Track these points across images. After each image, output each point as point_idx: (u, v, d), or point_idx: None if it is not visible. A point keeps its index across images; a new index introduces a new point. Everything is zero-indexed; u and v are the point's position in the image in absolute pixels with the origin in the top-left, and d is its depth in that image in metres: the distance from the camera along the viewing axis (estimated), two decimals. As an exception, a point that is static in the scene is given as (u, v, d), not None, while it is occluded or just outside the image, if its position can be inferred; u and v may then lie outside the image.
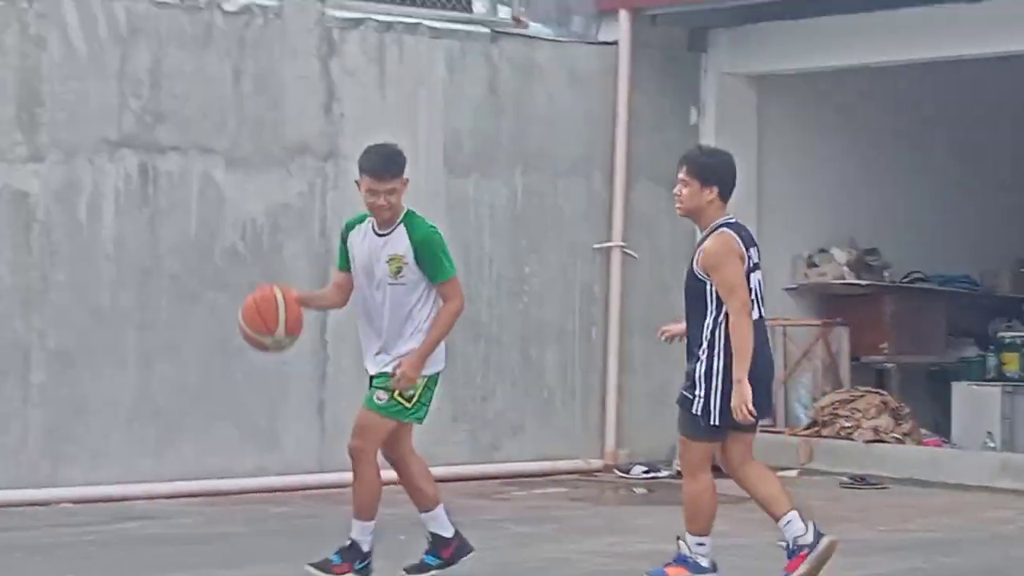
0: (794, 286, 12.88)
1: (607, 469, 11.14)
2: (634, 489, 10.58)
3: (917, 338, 12.85)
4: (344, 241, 6.90)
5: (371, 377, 6.76)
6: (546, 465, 10.90)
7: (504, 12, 11.17)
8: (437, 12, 10.81)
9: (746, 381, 6.40)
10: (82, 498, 8.90)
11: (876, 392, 12.22)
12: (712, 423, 6.48)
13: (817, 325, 12.56)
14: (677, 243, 11.38)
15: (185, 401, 9.40)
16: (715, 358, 6.52)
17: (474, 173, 10.79)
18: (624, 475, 10.91)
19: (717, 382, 6.52)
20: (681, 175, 6.70)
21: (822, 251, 12.89)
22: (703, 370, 6.48)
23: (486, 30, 10.88)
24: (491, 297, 10.77)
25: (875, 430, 11.70)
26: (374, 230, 6.72)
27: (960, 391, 11.77)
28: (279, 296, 6.70)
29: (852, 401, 12.08)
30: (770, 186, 12.56)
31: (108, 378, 9.18)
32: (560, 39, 11.48)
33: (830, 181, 13.05)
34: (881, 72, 12.26)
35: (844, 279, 12.75)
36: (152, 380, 9.33)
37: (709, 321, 6.49)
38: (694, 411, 6.48)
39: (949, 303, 12.93)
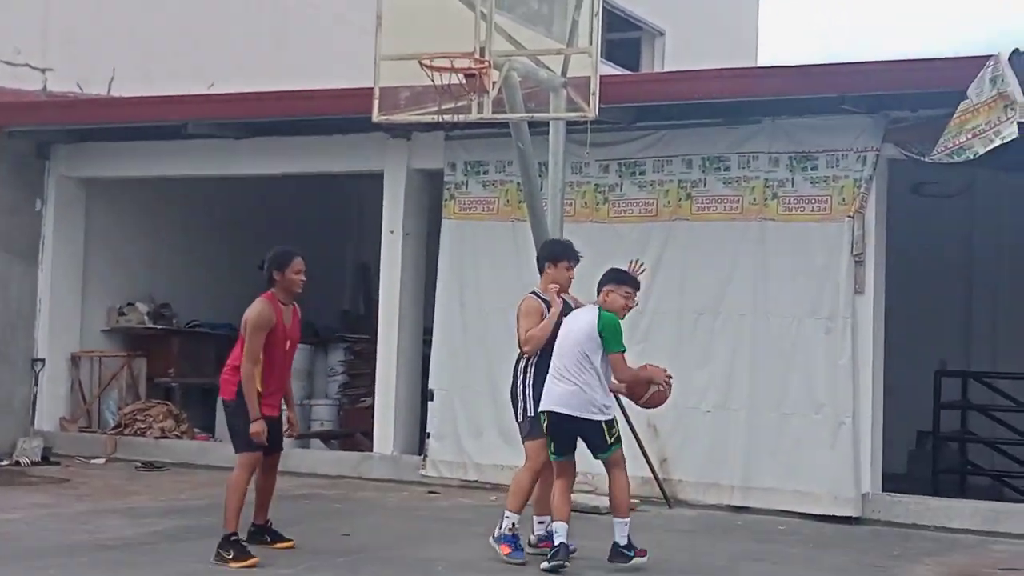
0: (108, 328, 14.47)
1: None
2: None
3: (195, 366, 14.61)
4: None
5: None
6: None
7: None
8: None
9: None
10: None
11: (164, 403, 13.99)
12: None
13: (123, 356, 14.21)
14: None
15: None
16: None
17: None
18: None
19: None
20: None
21: (129, 304, 14.56)
22: None
23: None
24: None
25: (162, 429, 13.45)
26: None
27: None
28: None
29: (147, 409, 13.79)
30: (92, 257, 14.10)
31: None
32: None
33: (138, 254, 14.69)
34: (177, 180, 13.90)
35: (144, 324, 14.53)
36: None
37: None
38: None
39: (217, 342, 14.11)
